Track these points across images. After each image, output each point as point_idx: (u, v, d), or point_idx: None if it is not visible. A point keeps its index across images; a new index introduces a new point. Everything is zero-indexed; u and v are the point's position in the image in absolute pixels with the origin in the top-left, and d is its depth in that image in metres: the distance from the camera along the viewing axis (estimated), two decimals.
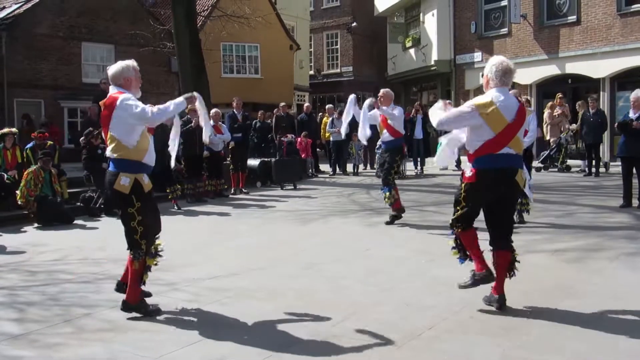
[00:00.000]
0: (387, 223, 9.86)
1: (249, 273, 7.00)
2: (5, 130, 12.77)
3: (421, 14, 27.92)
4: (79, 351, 4.68)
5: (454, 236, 5.57)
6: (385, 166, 9.91)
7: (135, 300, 5.52)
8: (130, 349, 4.67)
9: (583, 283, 6.20)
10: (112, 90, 5.51)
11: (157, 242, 5.69)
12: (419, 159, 18.81)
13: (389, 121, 9.77)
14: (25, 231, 10.58)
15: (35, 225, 10.96)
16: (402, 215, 9.92)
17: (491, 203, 5.37)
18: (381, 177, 10.11)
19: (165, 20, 23.83)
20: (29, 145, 12.77)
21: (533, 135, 9.66)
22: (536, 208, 10.49)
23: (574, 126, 18.17)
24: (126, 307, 5.53)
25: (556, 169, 18.15)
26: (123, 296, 5.65)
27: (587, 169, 16.59)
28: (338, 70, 37.20)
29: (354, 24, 35.87)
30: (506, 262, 5.39)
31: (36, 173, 11.14)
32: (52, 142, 12.87)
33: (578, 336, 4.73)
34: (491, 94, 5.24)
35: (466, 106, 5.32)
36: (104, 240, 9.54)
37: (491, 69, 5.30)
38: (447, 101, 5.79)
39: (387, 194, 9.81)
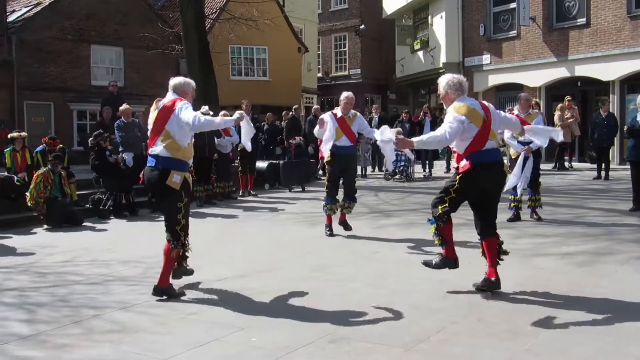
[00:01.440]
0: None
1: (257, 275, 7.02)
2: (15, 134, 12.83)
3: (429, 17, 27.90)
4: (88, 352, 4.70)
5: (434, 225, 6.03)
6: (354, 182, 9.50)
7: (165, 284, 6.16)
8: (138, 351, 4.69)
9: (592, 286, 6.17)
10: (172, 96, 6.20)
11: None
12: (427, 162, 18.78)
13: (352, 126, 9.31)
14: (35, 233, 10.63)
15: (45, 226, 11.01)
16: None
17: (479, 196, 5.91)
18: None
19: (174, 23, 23.92)
20: (38, 149, 12.83)
21: None
22: (545, 211, 10.47)
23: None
24: (157, 291, 6.13)
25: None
26: (131, 297, 5.91)
27: (597, 172, 16.51)
28: (346, 73, 37.24)
29: (362, 26, 35.89)
30: (494, 247, 6.01)
31: (46, 175, 11.19)
32: (62, 146, 12.92)
33: (586, 340, 4.72)
34: (460, 101, 5.84)
35: (454, 118, 5.70)
36: (113, 242, 9.59)
37: (447, 85, 5.92)
38: (398, 129, 6.52)
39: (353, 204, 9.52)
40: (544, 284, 6.27)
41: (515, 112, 10.02)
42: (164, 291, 6.14)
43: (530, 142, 9.65)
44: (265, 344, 4.76)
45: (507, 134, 10.16)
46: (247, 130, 7.30)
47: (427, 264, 6.26)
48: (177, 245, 6.15)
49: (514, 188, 9.78)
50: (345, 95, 9.40)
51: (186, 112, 5.94)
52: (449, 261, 6.11)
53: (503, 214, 10.01)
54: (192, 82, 6.49)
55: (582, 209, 11.25)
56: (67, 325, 5.36)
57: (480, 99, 23.40)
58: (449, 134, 5.71)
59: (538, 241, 8.43)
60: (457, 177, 5.90)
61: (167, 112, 6.05)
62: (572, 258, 7.45)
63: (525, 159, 9.73)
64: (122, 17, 23.73)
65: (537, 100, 21.24)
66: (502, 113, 6.36)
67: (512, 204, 10.14)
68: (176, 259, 6.27)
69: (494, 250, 6.04)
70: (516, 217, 10.15)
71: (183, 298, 6.10)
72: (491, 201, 6.01)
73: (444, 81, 5.98)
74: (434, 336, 4.84)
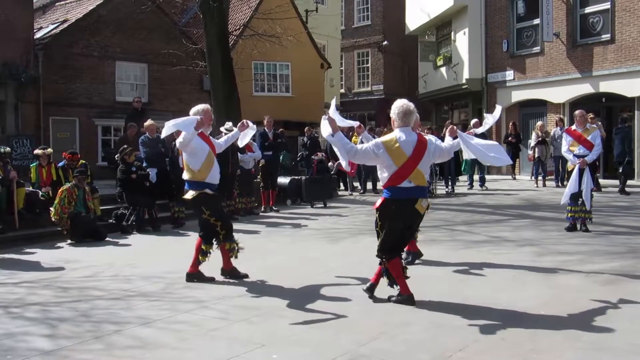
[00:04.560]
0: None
1: (279, 291, 6.99)
2: (39, 152, 12.92)
3: (452, 33, 27.88)
4: None
5: (382, 263, 6.34)
6: None
7: (193, 270, 7.52)
8: None
9: (618, 306, 6.06)
10: None
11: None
12: (449, 178, 18.67)
13: None
14: (58, 247, 10.71)
15: (69, 241, 11.10)
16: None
17: (401, 226, 6.23)
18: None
19: (198, 39, 24.11)
20: (60, 164, 12.95)
21: (598, 149, 10.42)
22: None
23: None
24: (188, 277, 7.50)
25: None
26: (152, 313, 5.95)
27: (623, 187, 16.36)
28: (369, 89, 37.28)
29: (385, 42, 35.94)
30: (398, 266, 6.28)
31: (70, 191, 11.30)
32: (83, 161, 13.04)
33: None
34: (395, 133, 6.20)
35: (374, 144, 6.20)
36: (135, 257, 9.63)
37: (394, 111, 6.25)
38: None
39: None
40: (569, 302, 6.18)
41: (573, 127, 10.65)
42: (194, 276, 7.46)
43: (585, 155, 10.21)
44: None
45: (563, 148, 10.46)
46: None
47: (389, 298, 6.38)
48: (219, 241, 7.46)
49: (572, 199, 10.29)
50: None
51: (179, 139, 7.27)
52: (406, 299, 6.22)
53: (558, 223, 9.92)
54: (202, 107, 7.55)
55: (607, 226, 11.09)
56: (89, 340, 5.38)
57: (503, 115, 23.23)
58: (360, 150, 6.20)
59: (562, 259, 8.32)
60: (376, 215, 6.32)
61: None
62: (597, 276, 7.34)
63: (581, 171, 10.15)
64: (146, 33, 23.98)
65: (562, 116, 21.15)
66: (438, 143, 6.44)
67: (569, 214, 10.52)
68: (225, 250, 7.50)
69: (399, 269, 6.27)
70: (573, 227, 10.48)
71: (202, 314, 6.10)
72: (408, 231, 6.37)
73: (395, 106, 6.29)
74: (456, 354, 4.78)
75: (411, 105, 6.29)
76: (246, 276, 7.56)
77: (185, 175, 7.40)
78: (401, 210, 6.14)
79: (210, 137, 7.72)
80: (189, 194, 7.34)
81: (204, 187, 7.31)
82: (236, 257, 7.57)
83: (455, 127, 6.83)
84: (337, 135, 6.21)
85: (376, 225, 6.37)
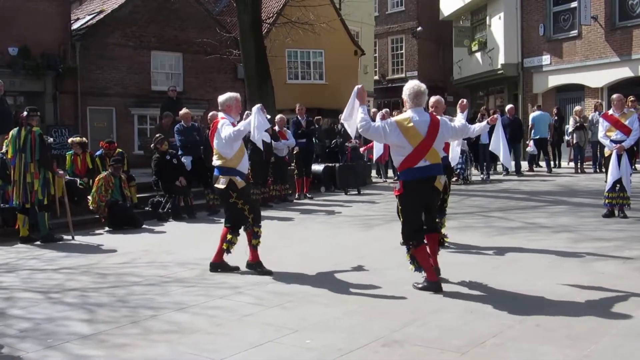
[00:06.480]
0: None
1: (312, 278, 7.03)
2: (76, 139, 13.11)
3: (487, 17, 27.53)
4: (145, 352, 4.80)
5: (409, 250, 6.30)
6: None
7: (217, 260, 7.37)
8: (194, 351, 4.76)
9: None
10: (219, 115, 7.41)
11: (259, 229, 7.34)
12: (484, 164, 18.49)
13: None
14: (96, 234, 10.89)
15: (106, 229, 11.28)
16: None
17: (422, 205, 6.32)
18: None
19: (232, 28, 24.21)
20: (97, 153, 13.15)
21: (636, 134, 10.18)
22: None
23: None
24: (212, 266, 7.38)
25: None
26: (188, 299, 6.06)
27: None
28: (403, 75, 37.01)
29: (419, 28, 35.65)
30: (435, 242, 6.52)
31: (107, 179, 11.48)
32: (120, 150, 13.21)
33: None
34: (408, 113, 6.26)
35: (388, 122, 6.25)
36: (171, 244, 9.75)
37: (405, 92, 6.30)
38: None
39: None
40: (605, 289, 6.10)
41: (610, 112, 10.47)
42: (217, 265, 7.36)
43: (623, 141, 10.05)
44: (319, 346, 4.77)
45: (600, 133, 10.32)
46: (259, 124, 7.29)
47: (414, 285, 6.35)
48: (248, 227, 7.26)
49: (613, 185, 10.12)
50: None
51: (223, 131, 7.07)
52: (433, 285, 6.19)
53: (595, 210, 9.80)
54: (233, 95, 7.54)
55: None
56: (126, 325, 5.48)
57: (540, 101, 22.96)
58: (375, 126, 6.23)
59: (599, 245, 8.21)
60: (397, 200, 6.42)
61: (213, 130, 7.31)
62: (634, 263, 7.22)
63: (619, 157, 10.04)
64: (181, 23, 24.16)
65: (600, 100, 20.75)
66: (451, 124, 6.57)
67: (607, 201, 10.35)
68: (250, 237, 7.27)
69: (434, 246, 6.50)
70: (610, 214, 10.34)
71: (237, 300, 6.17)
72: (431, 208, 6.43)
73: (406, 87, 6.35)
74: (490, 340, 4.76)
75: (422, 86, 6.33)
76: (270, 273, 7.16)
77: (216, 162, 7.28)
78: (422, 191, 6.19)
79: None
80: (221, 182, 7.16)
81: (236, 174, 7.19)
82: (255, 246, 7.31)
83: (465, 101, 7.06)
84: (362, 108, 6.39)
85: (398, 211, 6.46)
